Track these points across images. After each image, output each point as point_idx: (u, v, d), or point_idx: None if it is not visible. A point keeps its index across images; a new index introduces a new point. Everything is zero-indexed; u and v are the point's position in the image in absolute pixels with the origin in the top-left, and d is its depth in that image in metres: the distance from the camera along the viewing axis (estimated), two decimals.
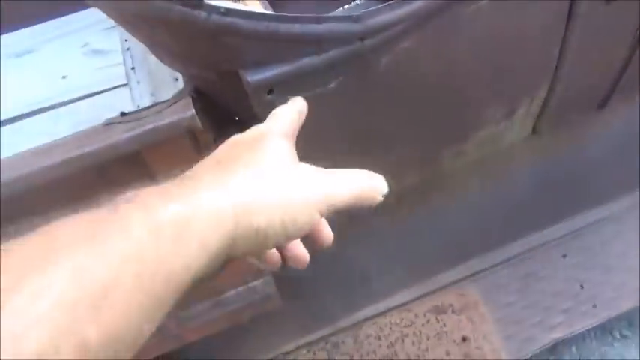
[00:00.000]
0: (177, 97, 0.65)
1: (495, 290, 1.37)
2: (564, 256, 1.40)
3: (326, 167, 0.41)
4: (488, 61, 0.82)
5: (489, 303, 1.35)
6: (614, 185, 1.39)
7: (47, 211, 0.63)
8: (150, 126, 0.61)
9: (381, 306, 1.35)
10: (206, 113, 0.68)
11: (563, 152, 1.32)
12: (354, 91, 0.70)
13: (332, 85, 0.67)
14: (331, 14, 0.63)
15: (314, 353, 1.31)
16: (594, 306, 1.34)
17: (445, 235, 1.32)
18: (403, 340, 1.32)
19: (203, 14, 0.55)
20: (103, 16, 0.62)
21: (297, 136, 0.47)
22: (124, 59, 1.06)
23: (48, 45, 1.18)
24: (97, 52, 1.32)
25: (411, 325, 1.33)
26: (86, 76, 1.00)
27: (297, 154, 0.43)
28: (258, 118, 0.54)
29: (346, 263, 1.27)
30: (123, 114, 0.65)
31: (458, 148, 1.00)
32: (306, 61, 0.63)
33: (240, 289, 1.06)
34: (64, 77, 1.06)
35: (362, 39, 0.62)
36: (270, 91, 0.64)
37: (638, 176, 1.37)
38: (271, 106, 0.49)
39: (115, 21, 0.65)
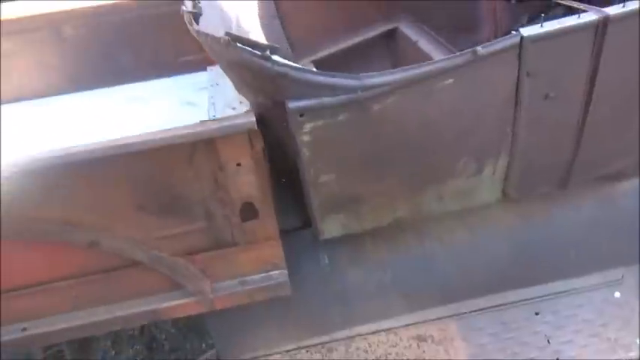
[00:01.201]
0: (247, 112, 1.08)
1: (472, 331, 1.61)
2: (537, 313, 1.64)
3: (337, 185, 0.75)
4: (455, 125, 1.20)
5: (465, 340, 1.59)
6: (583, 261, 1.64)
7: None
8: (227, 123, 1.04)
9: (373, 326, 1.62)
10: (260, 126, 1.11)
11: (539, 221, 1.62)
12: (355, 125, 1.10)
13: (340, 117, 1.08)
14: (342, 73, 1.05)
15: (311, 354, 1.59)
16: None
17: (435, 274, 1.62)
18: (386, 357, 1.58)
19: (269, 64, 0.99)
20: (199, 79, 1.07)
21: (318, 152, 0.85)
22: (208, 109, 1.50)
23: (155, 95, 1.71)
24: (190, 104, 1.84)
25: (395, 346, 1.59)
26: (178, 118, 1.43)
27: (320, 167, 0.81)
28: (292, 128, 0.94)
29: (348, 282, 1.59)
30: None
31: (438, 191, 1.35)
32: (326, 99, 1.05)
33: (261, 275, 1.41)
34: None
35: (360, 90, 1.03)
36: (301, 115, 1.06)
37: (601, 259, 1.63)
38: (301, 124, 0.89)
39: (219, 65, 1.11)
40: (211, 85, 1.63)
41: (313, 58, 2.14)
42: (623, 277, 1.67)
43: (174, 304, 1.40)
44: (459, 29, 1.07)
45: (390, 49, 2.16)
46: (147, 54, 2.01)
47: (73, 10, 1.83)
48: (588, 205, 1.63)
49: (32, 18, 1.79)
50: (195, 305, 1.40)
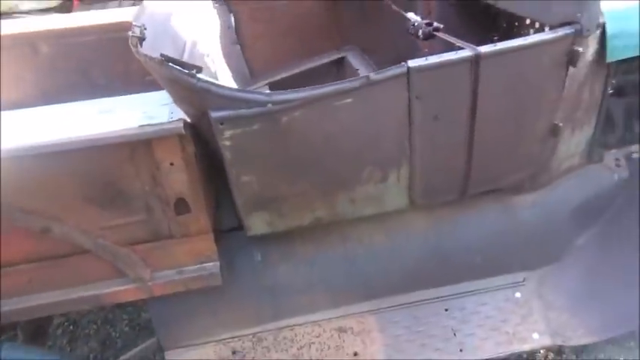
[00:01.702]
0: (178, 119, 1.31)
1: (388, 324, 1.81)
2: (446, 310, 1.85)
3: (257, 185, 0.96)
4: (356, 138, 1.43)
5: (381, 332, 1.79)
6: (488, 265, 1.86)
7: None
8: (160, 127, 1.27)
9: (300, 319, 1.81)
10: (191, 132, 1.33)
11: (448, 227, 1.85)
12: (267, 133, 1.33)
13: (254, 127, 1.31)
14: (255, 89, 1.29)
15: (242, 342, 1.77)
16: (461, 350, 1.76)
17: (356, 273, 1.82)
18: (310, 346, 1.77)
19: (194, 81, 1.23)
20: (163, 96, 1.29)
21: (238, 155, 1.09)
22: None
23: (123, 109, 1.93)
24: (151, 117, 2.06)
25: (318, 337, 1.79)
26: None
27: (241, 168, 1.05)
28: (215, 134, 1.16)
29: (278, 278, 1.79)
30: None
31: (349, 195, 1.57)
32: (242, 111, 1.28)
33: (196, 265, 1.61)
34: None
35: (269, 104, 1.27)
36: (222, 123, 1.29)
37: (504, 263, 1.85)
38: (222, 130, 1.11)
39: (156, 79, 1.34)
40: (172, 102, 1.86)
41: (269, 81, 2.39)
42: (524, 279, 1.89)
43: (117, 290, 1.58)
44: (398, 61, 1.30)
45: (338, 75, 2.43)
46: (117, 72, 2.23)
47: (49, 30, 2.06)
48: (492, 215, 1.86)
49: (11, 36, 2.01)
50: (136, 291, 1.59)
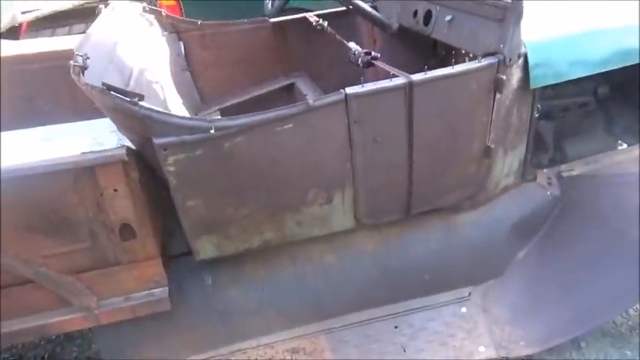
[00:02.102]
0: (121, 146, 1.33)
1: (340, 343, 1.84)
2: (396, 327, 1.90)
3: (203, 209, 1.00)
4: (299, 161, 1.49)
5: (333, 351, 1.82)
6: (434, 281, 1.93)
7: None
8: (103, 153, 1.28)
9: (253, 342, 1.82)
10: (135, 158, 1.35)
11: (395, 246, 1.91)
12: (211, 158, 1.36)
13: (198, 152, 1.34)
14: (198, 117, 1.33)
15: None
16: None
17: (307, 293, 1.85)
18: None
19: (137, 108, 1.26)
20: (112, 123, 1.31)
21: (183, 180, 1.13)
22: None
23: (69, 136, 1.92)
24: (100, 144, 2.05)
25: (271, 359, 1.80)
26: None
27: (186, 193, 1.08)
28: (159, 160, 1.18)
29: (229, 301, 1.80)
30: None
31: (296, 217, 1.62)
32: (185, 137, 1.31)
33: (144, 292, 1.61)
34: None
35: (211, 130, 1.31)
36: (165, 149, 1.31)
37: (450, 279, 1.93)
38: (165, 156, 1.14)
39: (100, 107, 1.36)
40: None
41: (220, 107, 2.43)
42: (470, 294, 1.97)
43: (62, 320, 1.56)
44: (344, 86, 1.37)
45: (288, 100, 2.49)
46: (64, 100, 2.22)
47: None
48: (436, 233, 1.94)
49: None
50: (82, 320, 1.57)
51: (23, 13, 3.74)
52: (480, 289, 1.98)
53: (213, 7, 3.69)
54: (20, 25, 3.76)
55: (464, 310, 1.95)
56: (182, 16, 3.57)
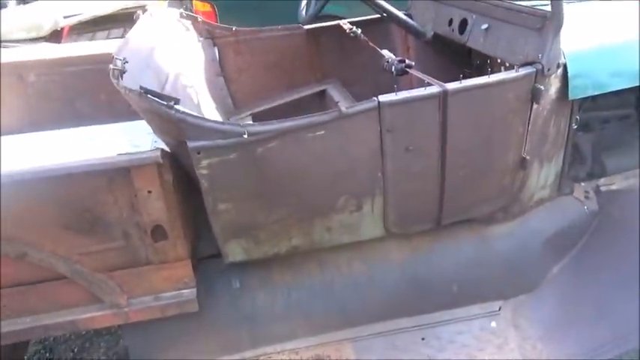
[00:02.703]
0: (156, 149, 1.35)
1: (365, 352, 1.82)
2: (423, 339, 1.86)
3: (234, 213, 1.02)
4: (330, 168, 1.48)
5: None
6: (464, 294, 1.89)
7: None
8: (138, 155, 1.31)
9: (278, 347, 1.82)
10: (169, 161, 1.37)
11: (425, 257, 1.88)
12: (244, 163, 1.38)
13: (231, 156, 1.35)
14: (238, 120, 1.34)
15: None
16: None
17: (334, 300, 1.84)
18: None
19: (172, 112, 1.28)
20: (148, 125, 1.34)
21: (215, 184, 1.15)
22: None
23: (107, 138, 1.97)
24: (135, 146, 2.10)
25: None
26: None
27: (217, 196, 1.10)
28: (193, 163, 1.20)
29: (256, 305, 1.80)
30: None
31: (325, 223, 1.61)
32: (219, 141, 1.33)
33: (173, 292, 1.63)
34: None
35: (244, 135, 1.32)
36: (199, 152, 1.33)
37: (480, 292, 1.88)
38: (199, 159, 1.16)
39: (137, 110, 1.39)
40: None
41: (252, 112, 2.46)
42: (500, 309, 1.92)
43: (93, 316, 1.59)
44: (377, 93, 1.37)
45: (320, 106, 2.49)
46: (102, 102, 2.28)
47: (35, 60, 2.12)
48: (467, 244, 1.91)
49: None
50: (112, 317, 1.60)
51: (65, 17, 3.88)
52: (511, 304, 1.93)
53: (248, 13, 3.75)
54: (62, 29, 3.91)
55: (494, 324, 1.90)
56: (217, 21, 3.63)
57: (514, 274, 1.92)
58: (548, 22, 1.47)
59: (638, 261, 1.78)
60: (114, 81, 1.34)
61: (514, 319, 1.89)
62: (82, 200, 1.40)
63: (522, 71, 1.47)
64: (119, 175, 1.37)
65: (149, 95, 1.26)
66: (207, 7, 3.71)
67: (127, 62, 1.37)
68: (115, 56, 1.40)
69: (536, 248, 1.93)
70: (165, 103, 1.26)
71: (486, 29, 1.75)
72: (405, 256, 1.88)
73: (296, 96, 2.49)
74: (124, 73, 1.35)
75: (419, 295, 1.88)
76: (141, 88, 1.26)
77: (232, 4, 3.74)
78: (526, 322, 1.87)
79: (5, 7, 4.45)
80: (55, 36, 3.88)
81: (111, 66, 1.36)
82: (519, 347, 1.81)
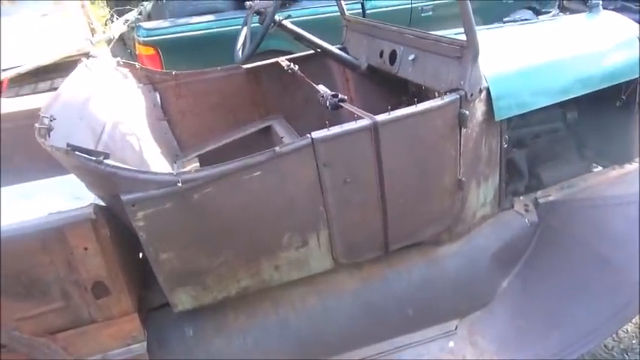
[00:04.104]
0: (88, 205, 1.33)
1: None
2: None
3: (177, 261, 1.01)
4: (271, 207, 1.49)
5: None
6: (420, 317, 1.91)
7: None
8: (70, 213, 1.28)
9: None
10: (105, 215, 1.35)
11: (378, 284, 1.90)
12: (181, 211, 1.37)
13: (167, 206, 1.34)
14: (161, 172, 1.33)
15: None
16: None
17: (291, 338, 1.82)
18: None
19: (102, 167, 1.27)
20: None
21: (154, 234, 1.13)
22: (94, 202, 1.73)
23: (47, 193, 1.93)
24: (77, 198, 2.05)
25: None
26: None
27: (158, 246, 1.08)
28: (128, 216, 1.19)
29: (212, 351, 1.76)
30: None
31: (272, 261, 1.61)
32: (152, 192, 1.32)
33: (122, 349, 1.58)
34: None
35: (178, 184, 1.31)
36: (133, 205, 1.32)
37: (435, 313, 1.91)
38: (134, 212, 1.15)
39: (66, 168, 1.37)
40: None
41: (199, 153, 2.45)
42: (456, 327, 1.95)
43: None
44: (320, 127, 1.40)
45: (266, 143, 2.52)
46: (43, 155, 2.23)
47: None
48: (417, 268, 1.94)
49: None
50: None
51: (4, 70, 3.80)
52: (467, 322, 1.96)
53: (193, 55, 3.77)
54: (1, 82, 3.82)
55: (451, 344, 1.92)
56: (162, 66, 3.64)
57: (466, 291, 1.96)
58: (466, 51, 1.56)
59: (578, 269, 1.86)
60: (40, 140, 1.32)
61: (470, 337, 1.92)
62: (16, 263, 1.35)
63: (447, 98, 1.54)
64: (53, 234, 1.33)
65: (76, 152, 1.24)
66: (151, 51, 3.71)
67: (54, 119, 1.36)
68: (42, 114, 1.38)
69: (484, 264, 1.98)
70: (94, 158, 1.25)
71: (413, 60, 1.83)
72: (358, 285, 1.89)
73: (242, 134, 2.51)
74: (51, 130, 1.33)
75: (375, 323, 1.89)
76: (68, 145, 1.25)
77: (176, 46, 3.76)
78: (482, 338, 1.91)
79: None
80: None
81: (37, 125, 1.34)
82: None
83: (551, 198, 2.10)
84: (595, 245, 1.89)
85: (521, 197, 2.09)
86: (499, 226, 2.01)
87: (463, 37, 1.61)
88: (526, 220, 2.04)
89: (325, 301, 1.86)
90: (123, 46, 4.56)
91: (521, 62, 1.82)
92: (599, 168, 2.33)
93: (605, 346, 2.11)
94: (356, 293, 1.89)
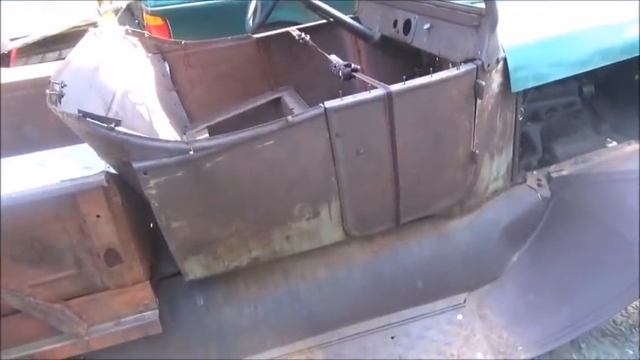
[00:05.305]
0: (100, 172, 1.33)
1: (336, 357, 1.82)
2: (392, 337, 1.88)
3: (189, 230, 1.00)
4: (283, 177, 1.48)
5: None
6: (429, 289, 1.92)
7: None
8: (82, 181, 1.28)
9: None
10: (117, 182, 1.35)
11: (388, 256, 1.90)
12: (192, 179, 1.36)
13: (178, 174, 1.33)
14: (177, 140, 1.32)
15: None
16: None
17: (301, 308, 1.84)
18: None
19: (114, 133, 1.25)
20: None
21: (165, 202, 1.12)
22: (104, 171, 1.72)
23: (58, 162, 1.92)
24: (87, 167, 2.05)
25: None
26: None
27: (170, 214, 1.08)
28: (140, 183, 1.18)
29: (223, 321, 1.78)
30: None
31: (283, 232, 1.61)
32: (164, 159, 1.31)
33: (135, 316, 1.59)
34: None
35: (190, 152, 1.30)
36: (145, 173, 1.31)
37: (444, 286, 1.91)
38: (146, 180, 1.14)
39: (78, 134, 1.36)
40: None
41: (208, 124, 2.43)
42: (465, 300, 1.95)
43: (53, 348, 1.54)
44: (330, 97, 1.38)
45: (276, 114, 2.50)
46: (52, 125, 2.22)
47: None
48: (428, 240, 1.93)
49: None
50: (72, 348, 1.56)
51: (12, 39, 3.77)
52: (475, 295, 1.96)
53: (201, 25, 3.72)
54: (10, 51, 3.80)
55: (460, 317, 1.93)
56: (170, 36, 3.59)
57: (476, 265, 1.95)
58: (484, 20, 1.51)
59: (591, 243, 1.84)
60: (51, 106, 1.30)
61: (479, 310, 1.92)
62: (30, 230, 1.36)
63: (463, 68, 1.51)
64: (65, 201, 1.33)
65: (88, 118, 1.23)
66: (159, 21, 3.66)
67: (65, 86, 1.34)
68: (53, 80, 1.36)
69: (495, 238, 1.97)
70: (106, 125, 1.23)
71: (428, 29, 1.78)
72: (368, 257, 1.89)
73: (251, 105, 2.48)
74: (62, 97, 1.32)
75: (385, 295, 1.90)
76: (79, 111, 1.24)
77: (184, 16, 3.71)
78: (491, 312, 1.91)
79: None
80: (3, 60, 3.76)
81: (47, 91, 1.32)
82: (486, 338, 1.85)
83: (564, 172, 2.07)
84: (608, 220, 1.87)
85: (534, 172, 2.06)
86: (511, 201, 1.99)
87: (480, 5, 1.56)
88: (538, 194, 2.02)
89: (335, 273, 1.87)
90: (130, 16, 4.50)
91: (540, 32, 1.77)
92: (614, 143, 2.28)
93: (614, 321, 2.11)
94: (366, 265, 1.89)
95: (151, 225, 1.69)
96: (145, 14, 3.72)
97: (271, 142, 1.39)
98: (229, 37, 2.36)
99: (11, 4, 3.90)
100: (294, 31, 2.28)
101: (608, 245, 1.84)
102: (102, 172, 1.35)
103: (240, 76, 2.43)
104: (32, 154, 2.14)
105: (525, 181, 2.02)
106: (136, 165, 1.29)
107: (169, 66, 2.34)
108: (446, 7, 1.74)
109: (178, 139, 2.25)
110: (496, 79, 1.61)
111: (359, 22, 2.32)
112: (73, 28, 4.09)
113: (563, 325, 1.80)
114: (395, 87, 1.47)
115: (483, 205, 1.94)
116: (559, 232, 1.99)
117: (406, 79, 1.49)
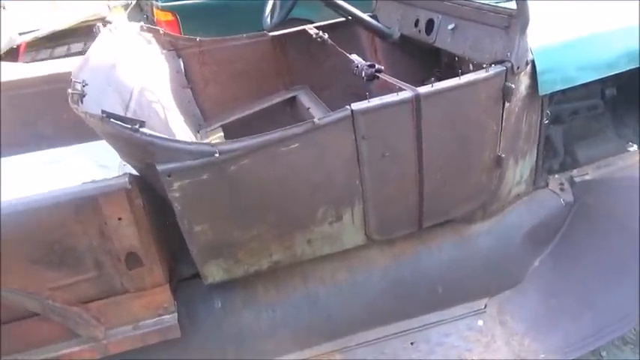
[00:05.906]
0: (123, 174, 1.29)
1: None
2: (412, 343, 1.85)
3: (211, 233, 0.96)
4: (307, 180, 1.45)
5: None
6: (449, 294, 1.88)
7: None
8: (105, 183, 1.25)
9: None
10: (139, 184, 1.31)
11: (409, 260, 1.87)
12: (217, 182, 1.33)
13: (203, 177, 1.30)
14: (202, 142, 1.29)
15: None
16: None
17: (320, 312, 1.81)
18: None
19: (138, 135, 1.22)
20: None
21: (188, 205, 1.08)
22: (118, 170, 1.69)
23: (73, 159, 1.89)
24: (102, 166, 2.02)
25: None
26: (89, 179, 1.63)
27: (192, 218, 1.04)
28: (164, 186, 1.15)
29: (241, 324, 1.75)
30: None
31: (305, 236, 1.57)
32: (189, 162, 1.27)
33: (153, 319, 1.57)
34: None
35: (215, 154, 1.27)
36: (169, 175, 1.28)
37: (465, 291, 1.88)
38: (170, 182, 1.10)
39: (100, 135, 1.32)
40: None
41: (222, 123, 2.40)
42: (485, 306, 1.92)
43: (70, 352, 1.51)
44: (346, 97, 1.34)
45: (291, 113, 2.46)
46: (65, 122, 2.19)
47: None
48: (449, 245, 1.90)
49: None
50: (90, 351, 1.53)
51: (21, 34, 3.74)
52: (496, 301, 1.93)
53: (211, 20, 3.68)
54: (19, 46, 3.76)
55: (480, 323, 1.90)
56: (180, 32, 3.55)
57: (497, 270, 1.92)
58: (515, 21, 1.47)
59: (616, 249, 1.81)
60: (73, 106, 1.27)
61: (500, 316, 1.89)
62: (50, 233, 1.33)
63: (492, 70, 1.47)
64: (87, 204, 1.30)
65: (112, 119, 1.20)
66: (169, 16, 3.62)
67: (86, 85, 1.31)
68: (74, 79, 1.33)
69: (516, 243, 1.94)
70: (130, 126, 1.20)
71: (453, 29, 1.74)
72: (389, 261, 1.86)
73: (266, 104, 2.45)
74: (84, 96, 1.29)
75: (405, 300, 1.87)
76: (103, 112, 1.20)
77: (195, 11, 3.67)
78: (511, 318, 1.88)
79: None
80: (12, 54, 3.73)
81: (69, 90, 1.29)
82: (506, 344, 1.82)
83: (587, 177, 2.03)
84: (632, 225, 1.83)
85: (557, 175, 2.03)
86: (533, 205, 1.96)
87: (509, 5, 1.52)
88: (561, 199, 1.98)
89: (355, 277, 1.83)
90: (140, 11, 4.46)
91: (568, 34, 1.73)
92: (635, 147, 2.24)
93: (635, 328, 2.07)
94: (386, 269, 1.86)
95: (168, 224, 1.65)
96: (155, 9, 3.68)
97: (297, 144, 1.36)
98: (244, 35, 2.32)
99: (11, 4, 3.87)
100: (311, 29, 2.24)
101: (631, 250, 1.80)
102: (125, 174, 1.31)
103: (255, 75, 2.39)
104: (45, 150, 2.11)
105: (547, 185, 1.98)
106: (160, 167, 1.26)
107: (183, 63, 2.30)
108: (471, 7, 1.70)
109: (193, 138, 2.22)
110: (524, 81, 1.58)
111: (377, 20, 2.28)
112: (82, 22, 4.05)
113: (586, 332, 1.77)
114: (423, 89, 1.43)
115: (505, 209, 1.91)
116: (582, 237, 1.95)
117: (426, 80, 1.45)
